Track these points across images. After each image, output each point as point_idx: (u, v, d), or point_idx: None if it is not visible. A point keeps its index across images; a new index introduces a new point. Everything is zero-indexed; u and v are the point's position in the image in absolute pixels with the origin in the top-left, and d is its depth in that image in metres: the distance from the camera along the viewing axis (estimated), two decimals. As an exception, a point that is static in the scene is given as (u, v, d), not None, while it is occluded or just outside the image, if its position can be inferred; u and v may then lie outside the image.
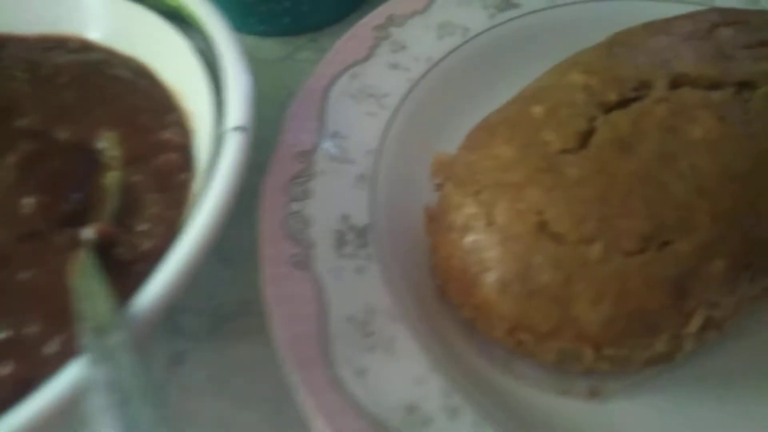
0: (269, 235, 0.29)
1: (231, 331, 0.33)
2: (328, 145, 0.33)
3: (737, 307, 0.27)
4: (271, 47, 0.47)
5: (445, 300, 0.30)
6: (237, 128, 0.26)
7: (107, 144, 0.32)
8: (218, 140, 0.27)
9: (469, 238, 0.28)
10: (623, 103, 0.29)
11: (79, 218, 0.30)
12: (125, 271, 0.27)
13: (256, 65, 0.46)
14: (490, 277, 0.27)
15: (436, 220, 0.30)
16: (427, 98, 0.37)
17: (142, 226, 0.29)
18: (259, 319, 0.29)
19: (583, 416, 0.28)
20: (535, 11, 0.42)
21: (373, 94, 0.37)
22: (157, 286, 0.22)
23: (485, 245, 0.27)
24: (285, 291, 0.28)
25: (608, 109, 0.29)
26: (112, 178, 0.31)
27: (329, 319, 0.27)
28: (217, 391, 0.31)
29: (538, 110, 0.30)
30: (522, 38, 0.40)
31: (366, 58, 0.38)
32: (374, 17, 0.40)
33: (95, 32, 0.35)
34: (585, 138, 0.28)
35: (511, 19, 0.41)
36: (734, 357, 0.29)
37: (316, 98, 0.35)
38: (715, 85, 0.29)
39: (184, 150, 0.32)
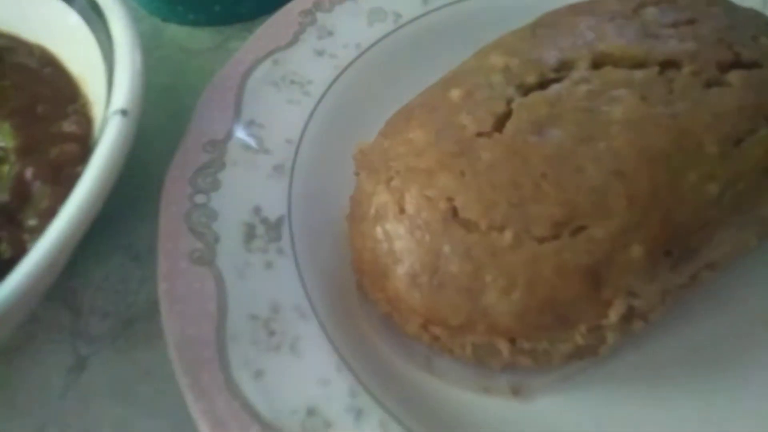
0: (169, 229, 0.27)
1: (139, 334, 0.31)
2: (242, 134, 0.32)
3: (663, 297, 0.26)
4: (202, 37, 0.45)
5: (364, 295, 0.29)
6: (118, 111, 0.24)
7: (0, 135, 0.30)
8: (103, 126, 0.25)
9: (380, 228, 0.26)
10: (543, 85, 0.28)
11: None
12: (7, 269, 0.25)
13: (184, 55, 0.45)
14: (400, 269, 0.25)
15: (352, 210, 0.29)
16: (355, 86, 0.36)
17: (32, 222, 0.27)
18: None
19: (507, 414, 0.26)
20: (471, -4, 0.40)
21: (296, 81, 0.35)
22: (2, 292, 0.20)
23: (395, 235, 0.25)
24: (182, 288, 0.26)
25: (527, 91, 0.27)
26: (2, 171, 0.29)
27: (228, 317, 0.25)
28: (120, 398, 0.29)
29: (455, 93, 0.28)
30: (456, 25, 0.39)
31: (290, 44, 0.36)
32: (301, 2, 0.38)
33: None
34: (502, 121, 0.27)
35: (445, 5, 0.40)
36: (664, 350, 0.27)
37: (233, 85, 0.33)
38: (639, 65, 0.28)
39: (83, 140, 0.30)
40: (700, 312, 0.28)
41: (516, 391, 0.27)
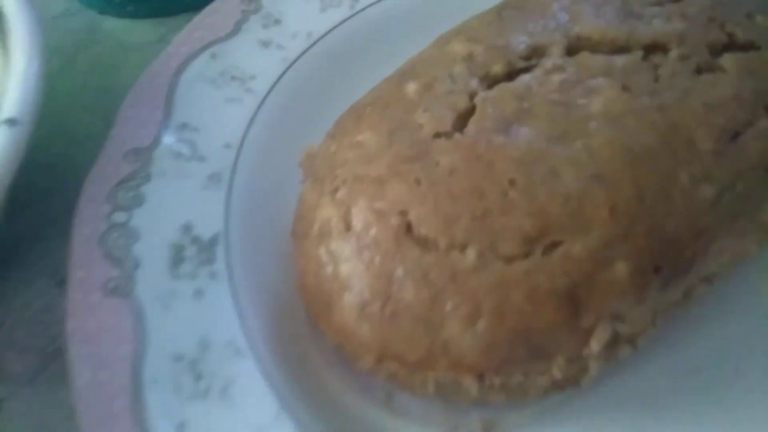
0: (81, 255, 0.24)
1: (63, 371, 0.27)
2: (171, 140, 0.28)
3: (653, 319, 0.22)
4: (142, 30, 0.41)
5: (313, 323, 0.25)
6: (5, 121, 0.21)
7: None
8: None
9: (324, 248, 0.22)
10: (511, 75, 0.24)
11: None
12: None
13: (123, 51, 0.41)
14: (347, 297, 0.21)
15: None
16: (305, 81, 0.32)
17: None
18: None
19: (478, 456, 0.23)
20: (435, -23, 0.36)
21: (237, 77, 0.31)
22: None
23: (341, 257, 0.22)
24: (93, 325, 0.22)
25: (492, 83, 0.24)
26: None
27: (147, 359, 0.21)
28: (39, 448, 0.25)
29: (412, 87, 0.25)
30: (420, 9, 0.35)
31: (231, 35, 0.32)
32: (244, -12, 0.34)
33: None
34: (463, 119, 0.23)
35: (408, -14, 0.36)
36: (654, 376, 0.24)
37: (163, 83, 0.29)
38: (620, 50, 0.24)
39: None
40: (695, 330, 0.25)
41: (488, 429, 0.23)
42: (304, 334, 0.25)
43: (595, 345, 0.20)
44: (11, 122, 0.20)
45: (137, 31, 0.41)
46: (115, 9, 0.41)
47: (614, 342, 0.21)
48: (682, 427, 0.23)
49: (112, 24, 0.41)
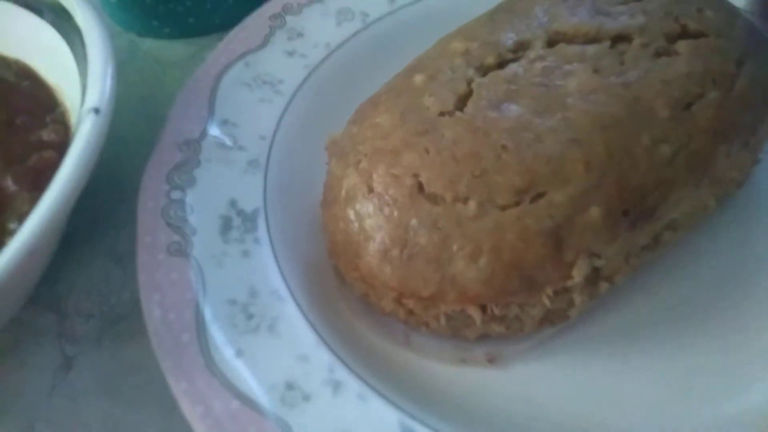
0: (147, 224, 0.28)
1: (123, 332, 0.31)
2: (216, 133, 0.33)
3: (626, 259, 0.27)
4: (177, 49, 0.46)
5: (340, 280, 0.29)
6: (91, 110, 0.25)
7: (-22, 147, 0.31)
8: (77, 126, 0.26)
9: (351, 209, 0.27)
10: (501, 65, 0.29)
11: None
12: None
13: (160, 67, 0.46)
14: (371, 246, 0.26)
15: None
16: (325, 84, 0.37)
17: (13, 225, 0.28)
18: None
19: (484, 382, 0.27)
20: (435, -5, 0.42)
21: (267, 81, 0.36)
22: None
23: (365, 214, 0.26)
24: (160, 278, 0.26)
25: (486, 71, 0.29)
26: (-19, 179, 0.30)
27: (207, 303, 0.26)
28: (108, 394, 0.29)
29: (419, 78, 0.29)
30: (422, 21, 0.40)
31: (261, 47, 0.37)
32: (270, 7, 0.39)
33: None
34: (463, 100, 0.28)
35: (411, 3, 0.41)
36: (635, 313, 0.28)
37: (206, 87, 0.34)
38: (591, 41, 0.29)
39: (61, 147, 0.31)
40: (668, 274, 0.29)
41: (492, 360, 0.27)
42: (333, 288, 0.29)
43: (577, 275, 0.25)
44: (96, 111, 0.25)
45: (172, 50, 0.46)
46: (153, 31, 0.46)
47: (594, 278, 0.26)
48: (659, 354, 0.27)
49: (150, 44, 0.47)
